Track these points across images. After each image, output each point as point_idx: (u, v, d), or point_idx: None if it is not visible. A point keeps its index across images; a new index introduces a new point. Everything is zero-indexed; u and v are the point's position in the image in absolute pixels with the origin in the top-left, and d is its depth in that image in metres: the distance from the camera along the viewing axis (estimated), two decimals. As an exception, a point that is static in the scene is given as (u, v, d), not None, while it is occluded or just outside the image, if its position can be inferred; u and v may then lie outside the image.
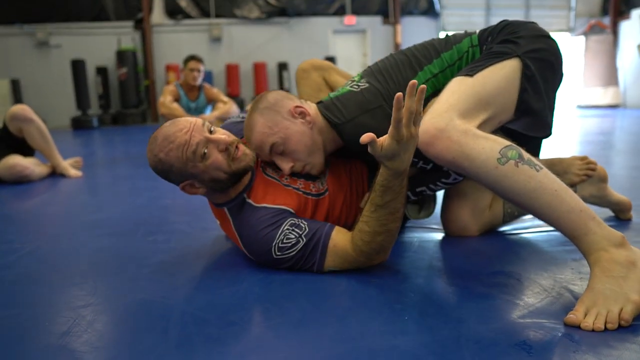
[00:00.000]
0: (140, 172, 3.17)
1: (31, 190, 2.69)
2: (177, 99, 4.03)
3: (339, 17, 9.67)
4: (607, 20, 10.07)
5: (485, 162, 1.05)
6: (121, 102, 8.80)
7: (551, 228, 1.45)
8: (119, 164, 3.76)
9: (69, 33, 8.86)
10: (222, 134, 1.22)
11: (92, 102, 8.68)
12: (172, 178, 1.24)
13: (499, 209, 1.53)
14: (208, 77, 8.60)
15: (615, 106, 9.55)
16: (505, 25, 1.33)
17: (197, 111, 4.11)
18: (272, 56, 9.44)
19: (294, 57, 9.36)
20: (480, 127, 1.14)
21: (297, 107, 1.32)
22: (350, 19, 9.64)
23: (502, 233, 1.56)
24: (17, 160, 2.85)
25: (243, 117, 1.54)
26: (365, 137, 0.98)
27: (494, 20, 8.29)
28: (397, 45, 9.78)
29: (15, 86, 8.45)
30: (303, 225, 1.22)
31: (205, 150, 1.19)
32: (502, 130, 1.26)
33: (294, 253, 1.20)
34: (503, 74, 1.20)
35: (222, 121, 3.95)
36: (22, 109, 2.93)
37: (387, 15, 9.85)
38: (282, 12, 9.43)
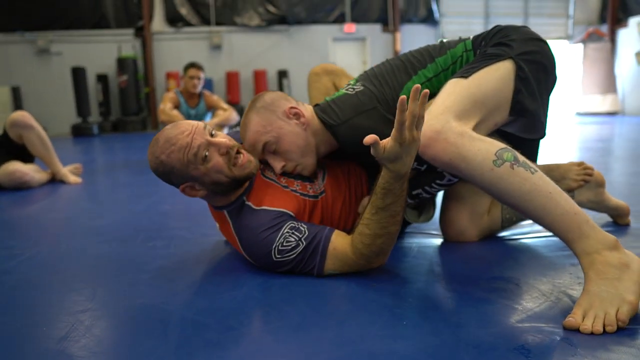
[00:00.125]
0: (140, 178, 3.18)
1: (31, 197, 2.70)
2: (177, 106, 4.05)
3: (339, 25, 9.73)
4: (604, 28, 10.13)
5: (481, 163, 1.05)
6: (121, 109, 8.83)
7: (549, 233, 1.45)
8: (118, 170, 3.76)
9: (70, 40, 8.90)
10: (223, 138, 1.24)
11: (93, 109, 8.71)
12: (173, 180, 1.24)
13: (497, 214, 1.54)
14: (208, 84, 8.63)
15: (613, 113, 9.57)
16: (498, 30, 1.35)
17: (197, 118, 4.12)
18: (272, 64, 9.49)
19: (294, 65, 9.41)
20: (476, 128, 1.15)
21: (292, 108, 1.34)
22: (350, 27, 9.70)
23: (501, 238, 1.56)
24: (16, 167, 2.85)
25: None
26: (369, 139, 0.98)
27: (493, 28, 8.32)
28: (396, 53, 9.82)
29: (16, 93, 8.48)
30: (303, 229, 1.22)
31: (207, 153, 1.20)
32: (498, 134, 1.27)
33: (294, 256, 1.21)
34: (498, 75, 1.21)
35: (222, 128, 3.97)
36: (22, 115, 2.94)
37: (386, 23, 9.90)
38: (282, 20, 9.49)
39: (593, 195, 1.61)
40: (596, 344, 0.86)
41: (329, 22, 9.72)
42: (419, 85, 0.95)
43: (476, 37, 1.39)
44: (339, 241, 1.21)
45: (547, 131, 1.33)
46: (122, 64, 8.64)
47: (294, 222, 1.24)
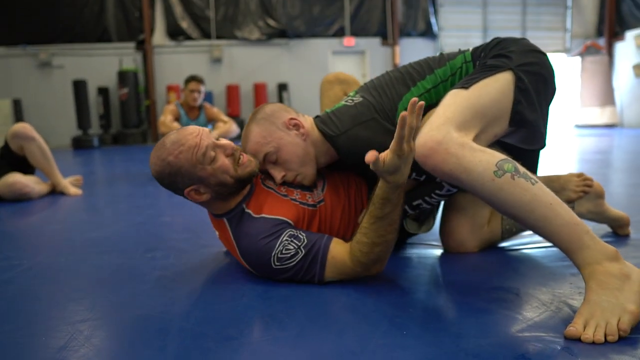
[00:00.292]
0: (140, 190, 3.18)
1: (31, 208, 2.70)
2: (177, 118, 4.07)
3: (339, 38, 9.81)
4: (602, 42, 10.22)
5: (482, 174, 1.06)
6: (122, 122, 8.87)
7: (549, 244, 1.46)
8: (119, 182, 3.77)
9: (72, 54, 8.97)
10: (226, 141, 1.29)
11: (93, 122, 8.76)
12: (178, 182, 1.25)
13: (497, 225, 1.54)
14: (209, 97, 8.67)
15: (612, 125, 9.62)
16: (498, 42, 1.37)
17: (197, 130, 4.13)
18: (272, 77, 9.55)
19: (294, 78, 9.48)
20: (476, 139, 1.15)
21: (291, 119, 1.37)
22: (349, 41, 9.78)
23: (501, 249, 1.56)
24: (17, 178, 2.86)
25: None
26: (370, 157, 1.01)
27: (491, 42, 8.39)
28: (395, 66, 9.87)
29: (17, 106, 8.53)
30: (302, 237, 1.23)
31: (214, 154, 1.24)
32: (499, 145, 1.27)
33: (293, 264, 1.22)
34: (497, 86, 1.22)
35: (222, 140, 3.98)
36: (23, 127, 2.95)
37: (385, 36, 9.99)
38: (282, 33, 9.57)
39: (593, 206, 1.61)
40: (597, 354, 0.86)
41: (329, 35, 9.81)
42: (416, 98, 0.98)
43: (475, 49, 1.41)
44: (338, 249, 1.23)
45: (547, 142, 1.34)
46: (123, 77, 8.70)
47: (293, 230, 1.25)
